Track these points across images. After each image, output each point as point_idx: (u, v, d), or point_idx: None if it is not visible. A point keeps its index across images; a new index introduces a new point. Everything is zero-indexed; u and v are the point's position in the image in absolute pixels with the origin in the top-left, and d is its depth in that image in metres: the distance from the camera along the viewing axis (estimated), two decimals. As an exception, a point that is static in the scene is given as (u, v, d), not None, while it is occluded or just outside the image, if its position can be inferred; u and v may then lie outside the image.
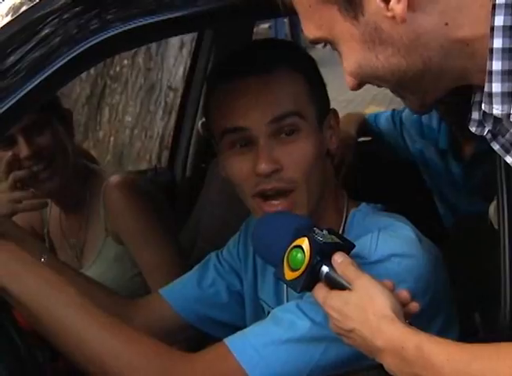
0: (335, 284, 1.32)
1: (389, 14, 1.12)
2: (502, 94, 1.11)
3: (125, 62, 5.75)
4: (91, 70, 6.18)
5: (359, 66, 1.21)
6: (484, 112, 1.18)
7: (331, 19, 1.20)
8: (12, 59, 1.34)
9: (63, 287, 1.46)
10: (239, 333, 1.48)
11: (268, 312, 1.64)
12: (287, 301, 1.67)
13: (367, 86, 1.36)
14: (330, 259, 1.34)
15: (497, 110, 1.13)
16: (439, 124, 2.53)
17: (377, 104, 5.84)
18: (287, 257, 1.35)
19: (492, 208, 1.71)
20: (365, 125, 2.57)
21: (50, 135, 2.12)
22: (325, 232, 1.37)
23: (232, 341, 1.44)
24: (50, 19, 1.36)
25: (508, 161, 1.19)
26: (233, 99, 1.61)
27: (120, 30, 1.39)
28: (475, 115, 1.21)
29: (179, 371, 1.44)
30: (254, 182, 1.57)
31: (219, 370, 1.43)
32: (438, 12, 1.13)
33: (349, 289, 1.32)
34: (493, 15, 1.08)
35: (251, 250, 1.79)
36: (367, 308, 1.29)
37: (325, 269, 1.33)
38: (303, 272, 1.33)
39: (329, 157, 1.68)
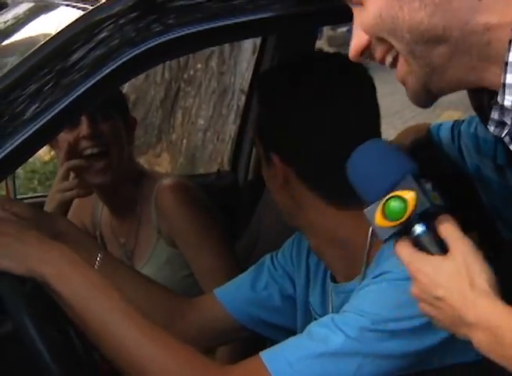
0: (426, 247, 1.23)
1: None
2: None
3: (199, 66, 5.77)
4: (166, 74, 6.26)
5: (380, 15, 1.16)
6: (504, 109, 1.16)
7: None
8: (75, 57, 1.38)
9: (108, 292, 1.47)
10: (274, 347, 1.48)
11: (315, 319, 1.66)
12: (332, 310, 1.66)
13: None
14: (429, 219, 1.24)
15: (508, 101, 1.13)
16: (496, 137, 2.43)
17: (454, 109, 5.69)
18: (385, 202, 1.23)
19: None
20: (427, 137, 2.52)
21: (111, 127, 2.16)
22: (429, 186, 1.26)
23: (267, 355, 1.45)
24: (110, 21, 1.40)
25: None
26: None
27: (178, 35, 1.43)
28: (494, 115, 1.18)
29: None
30: None
31: None
32: None
33: (442, 255, 1.22)
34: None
35: (305, 253, 1.79)
36: (463, 278, 1.19)
37: (420, 228, 1.23)
38: (396, 225, 1.23)
39: None
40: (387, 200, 1.22)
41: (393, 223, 1.21)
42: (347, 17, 1.28)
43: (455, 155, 2.43)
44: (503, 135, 1.20)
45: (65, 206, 2.27)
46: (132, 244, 2.31)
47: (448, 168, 2.41)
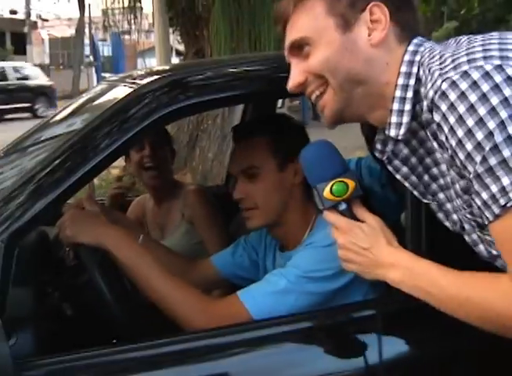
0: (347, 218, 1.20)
1: (366, 39, 1.09)
2: (396, 123, 1.10)
3: (209, 121, 5.83)
4: (190, 126, 6.30)
5: (328, 60, 1.11)
6: (385, 141, 1.15)
7: (325, 27, 1.11)
8: (131, 112, 1.35)
9: (145, 255, 1.44)
10: (245, 288, 1.46)
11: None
12: (275, 268, 1.62)
13: (357, 135, 1.35)
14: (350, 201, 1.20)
15: (392, 133, 1.11)
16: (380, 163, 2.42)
17: (361, 150, 5.68)
18: (334, 183, 1.17)
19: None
20: None
21: (161, 152, 2.22)
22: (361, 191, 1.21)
23: (240, 292, 1.44)
24: (151, 92, 1.38)
25: (397, 178, 1.18)
26: (230, 155, 1.70)
27: (194, 101, 1.40)
28: (378, 146, 1.17)
29: (211, 309, 1.43)
30: None
31: (230, 308, 1.42)
32: (387, 55, 1.10)
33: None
34: (398, 75, 1.09)
35: (264, 234, 1.74)
36: (381, 237, 1.16)
37: (344, 205, 1.18)
38: (337, 200, 1.18)
39: (298, 186, 1.57)
40: (335, 182, 1.17)
41: (335, 198, 1.18)
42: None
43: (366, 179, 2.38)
44: (384, 158, 1.17)
45: (114, 198, 2.35)
46: (164, 222, 2.30)
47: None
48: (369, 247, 1.16)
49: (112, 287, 1.42)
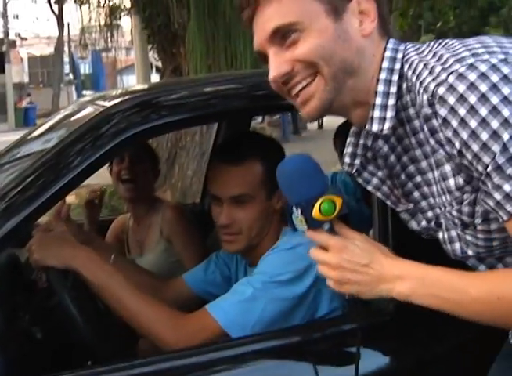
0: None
1: (359, 29, 1.06)
2: (380, 118, 1.06)
3: (188, 138, 5.84)
4: (168, 144, 6.32)
5: (324, 47, 1.04)
6: (355, 153, 1.13)
7: (315, 13, 1.04)
8: (102, 130, 1.37)
9: (116, 276, 1.45)
10: (214, 301, 1.47)
11: None
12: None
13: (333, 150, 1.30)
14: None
15: (374, 128, 1.06)
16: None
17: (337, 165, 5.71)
18: (323, 201, 1.06)
19: None
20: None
21: (141, 167, 2.22)
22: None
23: (209, 305, 1.45)
24: (121, 112, 1.40)
25: (369, 189, 1.16)
26: (216, 176, 1.61)
27: (165, 121, 1.42)
28: (346, 159, 1.14)
29: (181, 323, 1.43)
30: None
31: (200, 322, 1.42)
32: (373, 47, 1.07)
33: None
34: (380, 71, 1.07)
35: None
36: (376, 251, 1.08)
37: (327, 225, 1.08)
38: (326, 219, 1.07)
39: (277, 211, 1.57)
40: (324, 200, 1.06)
41: (324, 217, 1.06)
42: (280, 109, 1.25)
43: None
44: (353, 171, 1.14)
45: (89, 204, 2.38)
46: (144, 239, 2.29)
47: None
48: (368, 263, 1.06)
49: (82, 309, 1.42)
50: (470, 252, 1.08)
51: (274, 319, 1.42)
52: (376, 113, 1.06)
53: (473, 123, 0.92)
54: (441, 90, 0.95)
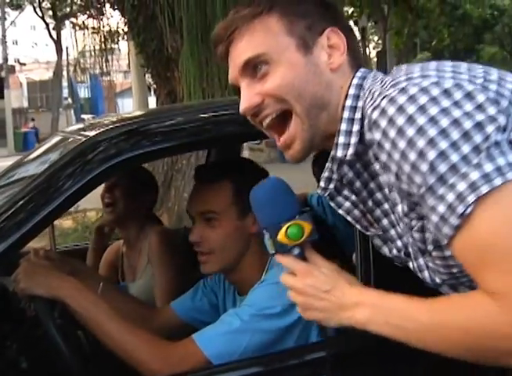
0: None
1: (328, 62, 1.08)
2: (344, 144, 1.06)
3: (184, 162, 5.86)
4: (164, 167, 6.34)
5: (293, 82, 1.06)
6: (330, 177, 1.11)
7: (285, 47, 1.07)
8: (88, 157, 1.39)
9: (102, 305, 1.46)
10: (201, 330, 1.48)
11: None
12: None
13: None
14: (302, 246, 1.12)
15: (338, 154, 1.07)
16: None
17: None
18: (290, 226, 1.08)
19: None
20: (305, 202, 2.43)
21: (123, 191, 2.20)
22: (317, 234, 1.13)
23: (196, 334, 1.46)
24: (108, 140, 1.42)
25: (340, 213, 1.14)
26: (190, 195, 1.70)
27: (155, 148, 1.45)
28: (322, 183, 1.13)
29: (166, 351, 1.44)
30: None
31: (185, 350, 1.43)
32: (342, 79, 1.09)
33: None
34: (345, 99, 1.08)
35: (222, 279, 1.74)
36: (341, 279, 1.09)
37: (297, 250, 1.10)
38: (292, 244, 1.09)
39: (256, 235, 1.54)
40: (291, 224, 1.07)
41: (290, 242, 1.08)
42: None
43: (320, 215, 2.39)
44: (326, 195, 1.14)
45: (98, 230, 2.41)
46: (135, 264, 2.28)
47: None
48: (330, 290, 1.07)
49: (68, 339, 1.43)
50: (437, 280, 1.07)
51: (259, 351, 1.42)
52: (341, 140, 1.06)
53: (402, 144, 0.92)
54: (375, 115, 0.97)
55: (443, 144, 0.89)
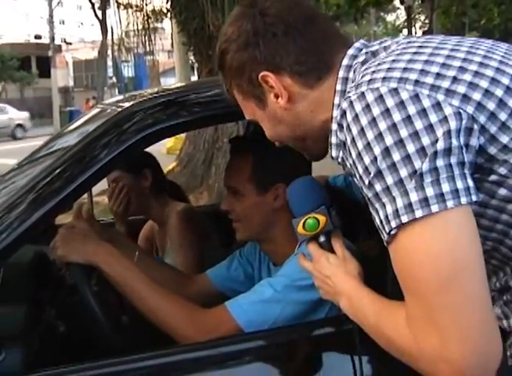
0: (324, 248, 1.22)
1: (279, 105, 1.11)
2: (336, 144, 1.07)
3: (225, 139, 5.90)
4: (206, 145, 6.38)
5: (270, 133, 1.18)
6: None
7: (252, 108, 1.16)
8: (125, 126, 1.40)
9: (137, 271, 1.48)
10: (234, 298, 1.50)
11: None
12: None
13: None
14: (329, 232, 1.23)
15: (333, 153, 1.11)
16: None
17: None
18: (306, 219, 1.21)
19: None
20: (326, 185, 2.40)
21: (131, 179, 2.18)
22: (334, 214, 1.24)
23: (228, 302, 1.48)
24: (144, 110, 1.43)
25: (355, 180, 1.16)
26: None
27: (190, 118, 1.46)
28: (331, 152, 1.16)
29: (200, 319, 1.46)
30: None
31: (219, 318, 1.45)
32: (306, 103, 1.10)
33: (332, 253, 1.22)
34: (334, 96, 1.07)
35: (258, 249, 1.78)
36: (342, 267, 1.17)
37: (323, 238, 1.22)
38: (309, 235, 1.21)
39: (281, 210, 1.59)
40: (308, 218, 1.20)
41: (308, 233, 1.21)
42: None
43: (348, 193, 2.32)
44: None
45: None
46: (163, 244, 2.30)
47: (343, 201, 2.20)
48: (329, 275, 1.18)
49: (103, 305, 1.46)
50: None
51: (291, 321, 1.43)
52: (333, 140, 1.08)
53: (353, 154, 0.95)
54: (339, 116, 1.00)
55: (382, 164, 0.91)
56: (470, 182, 0.90)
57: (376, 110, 0.92)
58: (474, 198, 0.89)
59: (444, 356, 0.87)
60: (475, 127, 0.91)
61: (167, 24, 9.33)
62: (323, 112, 1.10)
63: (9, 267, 1.53)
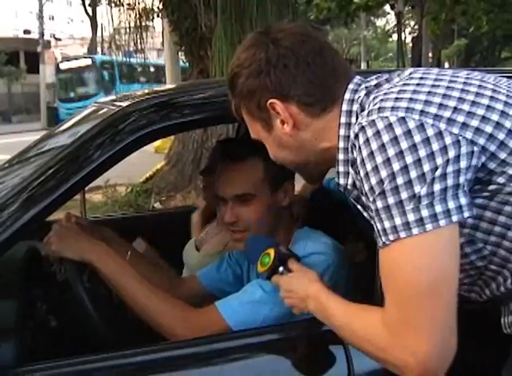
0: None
1: (284, 131, 1.19)
2: (344, 172, 1.18)
3: (214, 140, 5.92)
4: (195, 144, 6.38)
5: (274, 155, 1.26)
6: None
7: (258, 129, 1.24)
8: (120, 127, 1.43)
9: (130, 270, 1.51)
10: (224, 298, 1.52)
11: None
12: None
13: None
14: (285, 263, 1.38)
15: (340, 181, 1.20)
16: None
17: None
18: (260, 259, 1.40)
19: None
20: (321, 187, 2.43)
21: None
22: (285, 249, 1.42)
23: (218, 302, 1.50)
24: (139, 111, 1.45)
25: (358, 208, 1.23)
26: (220, 176, 1.65)
27: (182, 120, 1.48)
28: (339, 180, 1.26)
29: (190, 318, 1.48)
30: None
31: (209, 317, 1.48)
32: (310, 131, 1.19)
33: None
34: (339, 128, 1.16)
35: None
36: (305, 279, 1.30)
37: (281, 268, 1.37)
38: (268, 269, 1.38)
39: (285, 207, 1.65)
40: (261, 257, 1.40)
41: (266, 267, 1.38)
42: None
43: (341, 196, 2.33)
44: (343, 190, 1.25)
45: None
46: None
47: (336, 203, 2.23)
48: (295, 288, 1.31)
49: (95, 301, 1.48)
50: None
51: (278, 322, 1.45)
52: (341, 168, 1.18)
53: (362, 173, 1.05)
54: (353, 138, 1.09)
55: (387, 186, 1.01)
56: (463, 201, 1.01)
57: (385, 137, 1.02)
58: (466, 215, 1.01)
59: (414, 352, 1.01)
60: (475, 149, 1.02)
61: (157, 23, 9.32)
62: (326, 140, 1.19)
63: (1, 262, 1.55)
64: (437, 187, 0.99)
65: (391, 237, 1.02)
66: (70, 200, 1.46)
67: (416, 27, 24.52)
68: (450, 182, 1.00)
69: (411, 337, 1.01)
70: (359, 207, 1.21)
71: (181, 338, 1.44)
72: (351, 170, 1.14)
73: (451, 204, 1.00)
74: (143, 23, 6.68)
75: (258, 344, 1.42)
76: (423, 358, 1.00)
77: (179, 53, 7.03)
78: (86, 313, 1.46)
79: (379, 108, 1.06)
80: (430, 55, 21.45)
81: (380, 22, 48.78)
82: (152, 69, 20.83)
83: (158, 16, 7.17)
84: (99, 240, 1.58)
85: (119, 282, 1.49)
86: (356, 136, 1.06)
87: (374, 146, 1.02)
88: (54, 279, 1.73)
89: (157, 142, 11.30)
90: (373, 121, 1.04)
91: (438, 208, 0.99)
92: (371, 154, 1.02)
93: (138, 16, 6.56)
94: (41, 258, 1.75)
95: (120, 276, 1.49)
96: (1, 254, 1.32)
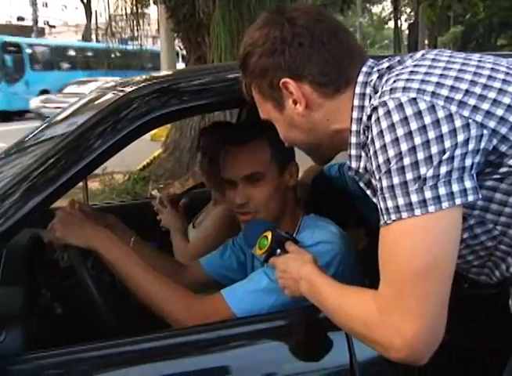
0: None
1: (296, 111, 1.18)
2: (356, 156, 1.18)
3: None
4: (192, 132, 6.35)
5: (284, 136, 1.26)
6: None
7: (268, 109, 1.23)
8: (122, 114, 1.41)
9: (134, 257, 1.51)
10: (230, 286, 1.52)
11: None
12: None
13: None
14: (283, 245, 1.40)
15: (352, 164, 1.20)
16: None
17: None
18: (258, 242, 1.44)
19: None
20: (322, 174, 2.45)
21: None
22: (283, 232, 1.44)
23: (224, 290, 1.50)
24: (141, 97, 1.43)
25: (367, 193, 1.23)
26: (227, 160, 1.64)
27: (184, 106, 1.47)
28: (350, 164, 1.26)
29: (196, 305, 1.48)
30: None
31: (214, 305, 1.47)
32: (322, 112, 1.18)
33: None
34: (352, 111, 1.16)
35: None
36: (299, 260, 1.32)
37: (279, 250, 1.40)
38: (265, 251, 1.41)
39: (291, 189, 1.66)
40: (259, 240, 1.44)
41: (264, 250, 1.42)
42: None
43: (342, 182, 2.36)
44: (354, 175, 1.24)
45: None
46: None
47: (337, 190, 2.18)
48: (289, 268, 1.33)
49: (100, 288, 1.47)
50: None
51: (286, 306, 1.44)
52: (353, 152, 1.18)
53: (372, 150, 1.05)
54: (365, 120, 1.09)
55: (393, 165, 1.01)
56: (468, 184, 1.00)
57: (395, 117, 1.01)
58: (470, 198, 1.01)
59: (401, 333, 1.01)
60: (485, 132, 1.02)
61: (152, 10, 9.26)
62: (338, 122, 1.18)
63: (6, 249, 1.55)
64: (443, 170, 0.99)
65: (393, 217, 1.02)
66: (73, 187, 1.46)
67: (413, 13, 24.44)
68: (456, 164, 1.00)
69: (401, 317, 1.01)
70: (369, 192, 1.20)
71: (184, 324, 1.43)
72: (362, 153, 1.14)
73: (455, 187, 1.00)
74: (140, 10, 6.64)
75: (262, 330, 1.41)
76: (411, 339, 1.00)
77: (176, 41, 6.99)
78: (91, 299, 1.45)
79: (391, 89, 1.06)
80: (426, 42, 21.41)
81: (376, 9, 48.64)
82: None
83: (154, 2, 7.13)
84: (103, 227, 1.58)
85: (123, 268, 1.49)
86: (369, 117, 1.06)
87: (384, 125, 1.02)
88: (57, 266, 1.74)
89: (153, 130, 11.28)
90: (385, 101, 1.03)
91: (442, 191, 0.99)
92: (380, 133, 1.02)
93: (135, 2, 6.52)
94: (44, 246, 1.77)
95: (124, 263, 1.49)
96: (5, 244, 1.32)
